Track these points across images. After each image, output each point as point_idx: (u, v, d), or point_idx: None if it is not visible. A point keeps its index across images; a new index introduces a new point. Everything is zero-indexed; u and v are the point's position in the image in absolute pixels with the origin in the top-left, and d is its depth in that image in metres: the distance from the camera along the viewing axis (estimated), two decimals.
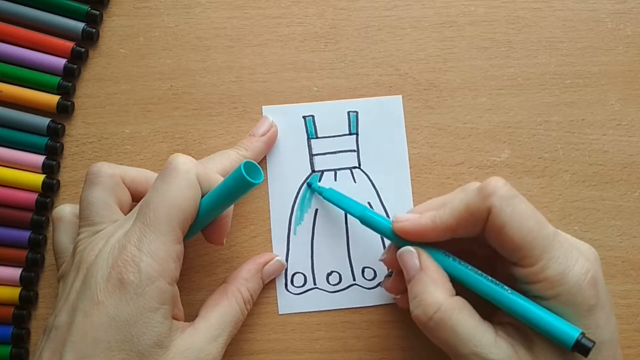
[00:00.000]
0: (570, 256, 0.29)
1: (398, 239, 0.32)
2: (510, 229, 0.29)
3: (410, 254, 0.31)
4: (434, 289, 0.30)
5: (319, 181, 0.39)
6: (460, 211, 0.30)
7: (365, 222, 0.34)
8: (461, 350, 0.29)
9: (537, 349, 0.29)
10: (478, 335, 0.29)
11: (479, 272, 0.31)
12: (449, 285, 0.31)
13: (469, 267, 0.31)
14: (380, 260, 0.34)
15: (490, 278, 0.30)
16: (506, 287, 0.30)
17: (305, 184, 0.39)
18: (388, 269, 0.36)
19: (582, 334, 0.28)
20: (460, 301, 0.30)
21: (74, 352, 0.28)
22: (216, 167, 0.35)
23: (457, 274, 0.31)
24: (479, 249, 0.33)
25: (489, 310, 0.31)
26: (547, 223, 0.30)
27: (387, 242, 0.38)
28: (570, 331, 0.28)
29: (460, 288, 0.31)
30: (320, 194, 0.37)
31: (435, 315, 0.29)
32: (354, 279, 0.38)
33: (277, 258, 0.38)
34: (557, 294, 0.28)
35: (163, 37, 0.41)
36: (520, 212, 0.29)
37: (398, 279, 0.34)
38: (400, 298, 0.35)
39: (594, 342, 0.28)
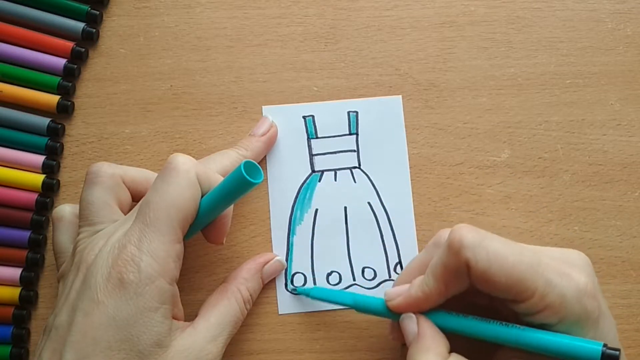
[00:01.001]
0: (563, 274, 0.28)
1: (397, 315, 0.32)
2: (493, 274, 0.28)
3: (410, 320, 0.31)
4: (423, 356, 0.29)
5: (319, 181, 0.39)
6: (442, 274, 0.30)
7: (359, 308, 0.34)
8: None
9: None
10: None
11: (485, 319, 0.30)
12: (442, 347, 0.30)
13: (473, 317, 0.30)
14: (390, 339, 0.34)
15: (497, 321, 0.30)
16: (515, 325, 0.29)
17: (290, 287, 0.38)
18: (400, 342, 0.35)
19: (605, 345, 0.27)
20: (454, 359, 0.29)
21: (73, 352, 0.28)
22: (216, 167, 0.35)
23: (461, 327, 0.30)
24: (476, 298, 0.32)
25: (487, 352, 0.31)
26: (524, 249, 0.29)
27: (388, 243, 0.38)
28: (593, 346, 0.27)
29: (459, 339, 0.31)
30: (307, 295, 0.37)
31: None
32: (354, 279, 0.38)
33: (277, 258, 0.38)
34: (562, 317, 0.28)
35: (163, 37, 0.41)
36: (496, 253, 0.28)
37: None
38: None
39: (619, 350, 0.27)
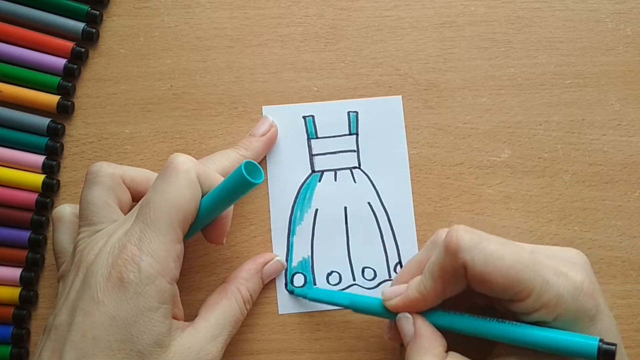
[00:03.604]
0: (559, 273, 0.28)
1: (394, 315, 0.32)
2: (490, 275, 0.28)
3: (407, 320, 0.31)
4: (420, 357, 0.30)
5: (319, 181, 0.39)
6: (439, 275, 0.30)
7: (356, 308, 0.34)
8: None
9: None
10: None
11: (481, 317, 0.30)
12: (439, 348, 0.30)
13: (470, 315, 0.31)
14: (386, 338, 0.34)
15: (493, 319, 0.30)
16: (512, 322, 0.29)
17: (289, 287, 0.38)
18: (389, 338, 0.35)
19: (601, 340, 0.27)
20: (451, 358, 0.30)
21: (73, 352, 0.28)
22: (216, 167, 0.35)
23: (458, 325, 0.31)
24: (474, 298, 0.32)
25: (484, 350, 0.31)
26: (521, 249, 0.29)
27: (388, 243, 0.38)
28: (589, 341, 0.27)
29: (456, 337, 0.31)
30: (304, 297, 0.37)
31: None
32: (354, 279, 0.38)
33: (277, 258, 0.38)
34: (558, 315, 0.28)
35: (163, 37, 0.41)
36: (493, 254, 0.28)
37: None
38: None
39: (616, 344, 0.27)
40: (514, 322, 0.29)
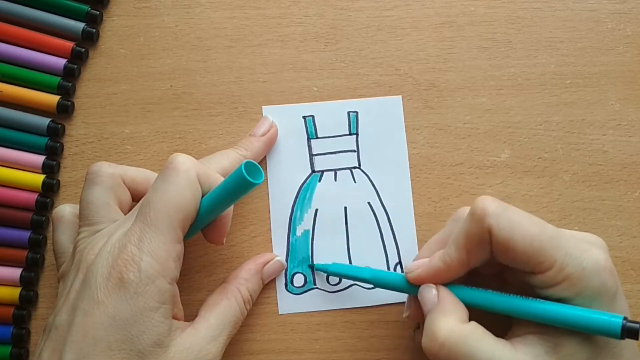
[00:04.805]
0: (583, 249, 0.29)
1: (415, 289, 0.32)
2: (516, 242, 0.28)
3: (429, 290, 0.31)
4: (443, 318, 0.30)
5: (319, 181, 0.39)
6: (464, 243, 0.30)
7: (377, 282, 0.34)
8: None
9: (563, 352, 0.28)
10: (497, 354, 0.28)
11: (502, 293, 0.30)
12: (463, 313, 0.30)
13: (492, 291, 0.31)
14: (404, 317, 0.34)
15: (514, 295, 0.30)
16: (531, 298, 0.29)
17: (309, 264, 0.38)
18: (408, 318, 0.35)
19: (625, 318, 0.27)
20: (472, 326, 0.30)
21: (73, 352, 0.28)
22: (216, 167, 0.35)
23: (479, 300, 0.31)
24: (485, 269, 0.32)
25: (502, 328, 0.31)
26: (546, 224, 0.29)
27: (388, 243, 0.38)
28: (613, 319, 0.27)
29: (478, 312, 0.31)
30: (325, 271, 0.37)
31: (446, 342, 0.29)
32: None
33: (277, 258, 0.38)
34: (580, 291, 0.28)
35: (163, 37, 0.41)
36: (519, 222, 0.29)
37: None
38: None
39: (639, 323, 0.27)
40: (536, 299, 0.29)
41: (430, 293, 0.31)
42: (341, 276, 0.37)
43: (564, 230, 0.30)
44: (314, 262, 0.38)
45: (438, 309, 0.30)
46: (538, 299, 0.29)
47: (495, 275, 0.32)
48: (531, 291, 0.30)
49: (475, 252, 0.30)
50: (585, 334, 0.28)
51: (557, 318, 0.28)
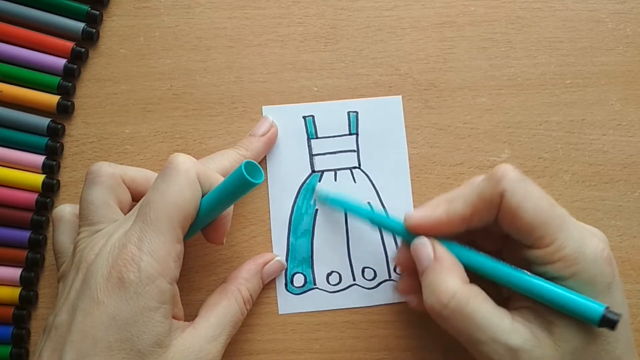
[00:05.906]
0: (584, 235, 0.29)
1: (411, 236, 0.32)
2: (524, 210, 0.29)
3: (424, 245, 0.31)
4: (448, 277, 0.30)
5: (319, 181, 0.39)
6: (474, 200, 0.30)
7: (375, 221, 0.34)
8: (479, 337, 0.29)
9: (557, 331, 0.29)
10: (495, 320, 0.29)
11: (496, 259, 0.31)
12: (463, 273, 0.31)
13: (485, 255, 0.31)
14: (393, 261, 0.34)
15: (507, 264, 0.30)
16: (525, 271, 0.30)
17: (315, 195, 0.38)
18: (397, 271, 0.35)
19: (607, 308, 0.28)
20: (475, 288, 0.30)
21: (73, 351, 0.28)
22: (216, 167, 0.35)
23: (474, 263, 0.31)
24: (485, 241, 0.33)
25: (501, 298, 0.31)
26: (558, 205, 0.30)
27: (388, 243, 0.38)
28: (595, 306, 0.28)
29: (472, 278, 0.31)
30: (326, 200, 0.37)
31: (450, 303, 0.29)
32: (354, 279, 0.38)
33: (277, 258, 0.38)
34: (574, 273, 0.29)
35: (163, 37, 0.41)
36: (533, 193, 0.29)
37: (411, 279, 0.34)
38: (413, 298, 0.34)
39: (620, 315, 0.27)
40: (528, 272, 0.30)
41: (425, 250, 0.31)
42: (340, 208, 0.37)
43: (572, 217, 0.31)
44: (317, 190, 0.38)
45: (437, 266, 0.30)
46: (529, 273, 0.29)
47: (493, 254, 0.32)
48: (527, 268, 0.30)
49: (481, 212, 0.30)
50: (569, 314, 0.29)
51: (541, 293, 0.29)
